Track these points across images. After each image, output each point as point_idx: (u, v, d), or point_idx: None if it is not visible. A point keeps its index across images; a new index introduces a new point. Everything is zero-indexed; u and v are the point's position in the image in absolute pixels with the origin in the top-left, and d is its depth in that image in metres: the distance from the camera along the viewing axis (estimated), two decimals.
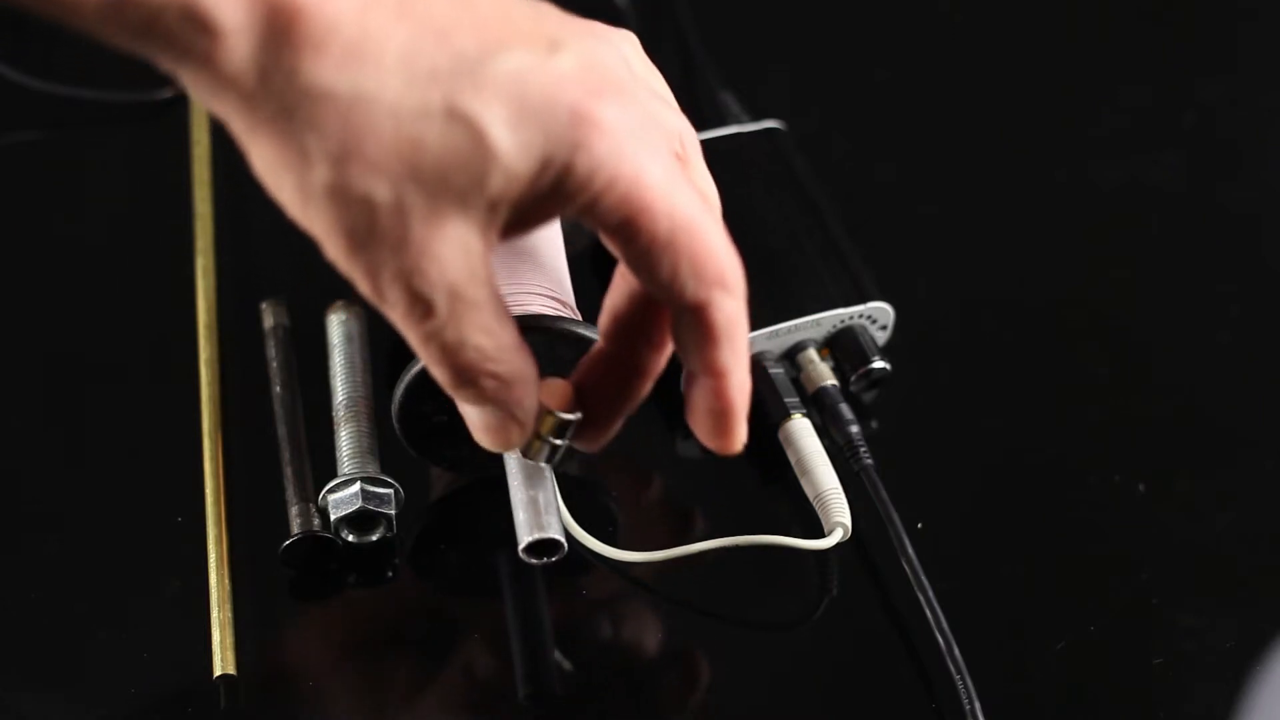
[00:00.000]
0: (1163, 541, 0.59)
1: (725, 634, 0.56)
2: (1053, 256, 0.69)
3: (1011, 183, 0.72)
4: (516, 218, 0.42)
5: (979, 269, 0.68)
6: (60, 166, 0.71)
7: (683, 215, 0.42)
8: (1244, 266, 0.69)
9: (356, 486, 0.55)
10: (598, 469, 0.59)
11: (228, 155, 0.67)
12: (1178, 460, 0.62)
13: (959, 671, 0.52)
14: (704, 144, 0.62)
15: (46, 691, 0.54)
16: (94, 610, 0.55)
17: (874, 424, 0.61)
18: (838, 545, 0.56)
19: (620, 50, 0.43)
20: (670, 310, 0.44)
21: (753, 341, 0.59)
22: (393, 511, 0.55)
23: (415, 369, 0.52)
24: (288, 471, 0.57)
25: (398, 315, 0.42)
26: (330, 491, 0.55)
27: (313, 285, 0.59)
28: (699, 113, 0.71)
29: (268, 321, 0.61)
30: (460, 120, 0.39)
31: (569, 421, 0.47)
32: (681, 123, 0.45)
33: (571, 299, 0.56)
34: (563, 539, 0.50)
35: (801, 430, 0.58)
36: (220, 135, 0.68)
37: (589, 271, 0.59)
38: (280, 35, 0.38)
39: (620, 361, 0.47)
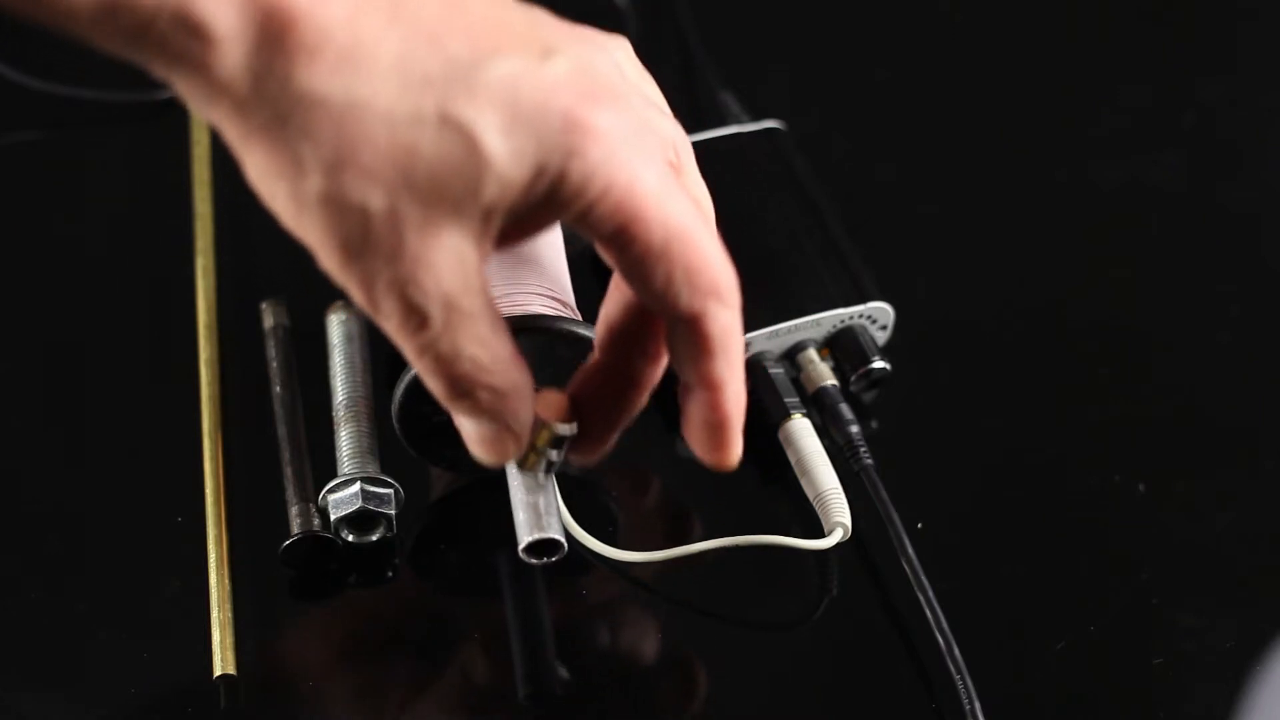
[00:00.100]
0: (1163, 541, 0.59)
1: (725, 634, 0.56)
2: (1053, 256, 0.69)
3: (1011, 183, 0.72)
4: (511, 226, 0.41)
5: (979, 269, 0.68)
6: (60, 166, 0.71)
7: (676, 224, 0.41)
8: (1244, 266, 0.69)
9: (356, 486, 0.55)
10: (598, 469, 0.59)
11: (227, 155, 0.67)
12: (1178, 460, 0.62)
13: (959, 671, 0.52)
14: (704, 144, 0.63)
15: (46, 691, 0.54)
16: (94, 610, 0.55)
17: (874, 424, 0.61)
18: (838, 545, 0.56)
19: (613, 56, 0.43)
20: (665, 321, 0.44)
21: (753, 341, 0.59)
22: (393, 511, 0.55)
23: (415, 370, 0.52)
24: (288, 471, 0.57)
25: (392, 326, 0.42)
26: (330, 491, 0.55)
27: (313, 285, 0.58)
28: (699, 113, 0.71)
29: (268, 321, 0.61)
30: (453, 127, 0.39)
31: (565, 434, 0.47)
32: (675, 130, 0.45)
33: (571, 299, 0.56)
34: (563, 539, 0.50)
35: (801, 430, 0.58)
36: (220, 136, 0.68)
37: (589, 272, 0.59)
38: (274, 41, 0.38)
39: (616, 373, 0.47)
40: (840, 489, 0.56)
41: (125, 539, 0.57)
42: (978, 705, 0.52)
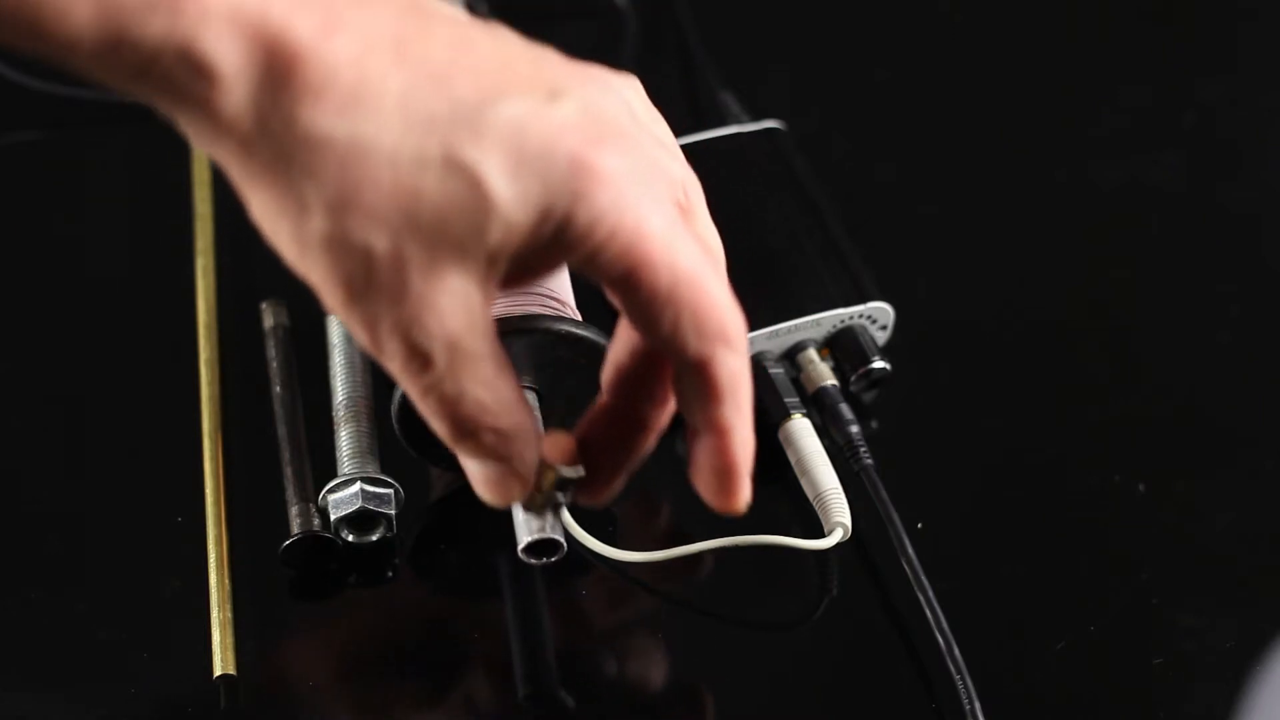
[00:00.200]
0: (1163, 541, 0.59)
1: (725, 634, 0.56)
2: (1053, 256, 0.69)
3: (1011, 183, 0.72)
4: (517, 268, 0.41)
5: (979, 269, 0.68)
6: (60, 166, 0.71)
7: (684, 268, 0.41)
8: (1244, 266, 0.69)
9: (356, 486, 0.55)
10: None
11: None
12: (1178, 460, 0.62)
13: (959, 671, 0.52)
14: (704, 144, 0.63)
15: (46, 691, 0.54)
16: (94, 610, 0.55)
17: (874, 424, 0.61)
18: (838, 545, 0.56)
19: (622, 96, 0.42)
20: (672, 365, 0.44)
21: (753, 341, 0.59)
22: (393, 511, 0.55)
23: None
24: (288, 471, 0.57)
25: (396, 367, 0.41)
26: (330, 491, 0.55)
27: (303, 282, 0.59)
28: (699, 113, 0.71)
29: (268, 321, 0.61)
30: (458, 169, 0.39)
31: (571, 477, 0.46)
32: (685, 171, 0.44)
33: (571, 299, 0.56)
34: (562, 539, 0.50)
35: (801, 430, 0.58)
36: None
37: None
38: (278, 81, 0.37)
39: (623, 416, 0.47)
40: (840, 489, 0.56)
41: (125, 539, 0.57)
42: (978, 705, 0.52)
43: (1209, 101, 0.77)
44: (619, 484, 0.48)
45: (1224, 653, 0.55)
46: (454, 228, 0.39)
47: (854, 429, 0.58)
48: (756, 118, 0.67)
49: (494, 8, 0.72)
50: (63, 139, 0.72)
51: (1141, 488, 0.60)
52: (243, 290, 0.64)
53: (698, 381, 0.43)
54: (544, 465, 0.46)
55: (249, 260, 0.65)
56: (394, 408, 0.54)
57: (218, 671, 0.52)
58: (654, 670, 0.55)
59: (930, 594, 0.54)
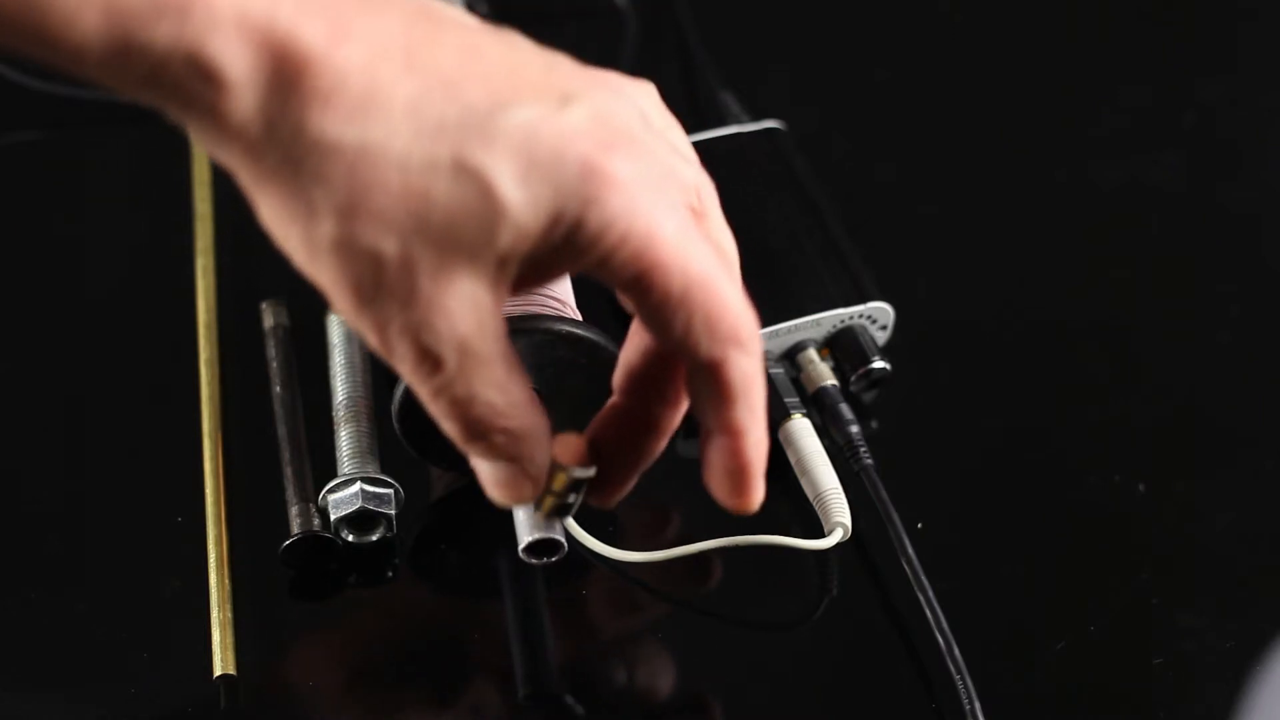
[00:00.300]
0: (1163, 541, 0.59)
1: (725, 634, 0.56)
2: (1053, 256, 0.69)
3: (1011, 183, 0.72)
4: (527, 272, 0.41)
5: (979, 269, 0.68)
6: (60, 166, 0.71)
7: (696, 271, 0.41)
8: (1244, 266, 0.69)
9: (356, 486, 0.55)
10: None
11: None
12: (1178, 460, 0.62)
13: (959, 671, 0.52)
14: (704, 144, 0.63)
15: (46, 691, 0.54)
16: (94, 610, 0.55)
17: (874, 424, 0.61)
18: (838, 545, 0.56)
19: (635, 102, 0.42)
20: (685, 367, 0.44)
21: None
22: (393, 511, 0.55)
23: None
24: (288, 471, 0.57)
25: (407, 369, 0.41)
26: (330, 491, 0.55)
27: (312, 285, 0.59)
28: (699, 113, 0.71)
29: (268, 321, 0.61)
30: (469, 174, 0.39)
31: (582, 478, 0.47)
32: (699, 176, 0.44)
33: (571, 299, 0.56)
34: (563, 539, 0.50)
35: (801, 430, 0.58)
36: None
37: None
38: (287, 86, 0.37)
39: (635, 417, 0.46)
40: (840, 489, 0.56)
41: (125, 539, 0.57)
42: (978, 705, 0.52)
43: (1209, 101, 0.77)
44: (630, 485, 0.48)
45: (1224, 653, 0.55)
46: (464, 232, 0.39)
47: (854, 429, 0.58)
48: (756, 118, 0.67)
49: (494, 8, 0.72)
50: (63, 139, 0.72)
51: (1141, 488, 0.60)
52: (243, 290, 0.64)
53: (711, 383, 0.43)
54: (555, 466, 0.46)
55: (249, 260, 0.65)
56: (394, 408, 0.54)
57: (218, 671, 0.52)
58: (654, 670, 0.55)
59: (930, 594, 0.54)
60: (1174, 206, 0.72)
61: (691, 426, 0.58)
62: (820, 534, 0.56)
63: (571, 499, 0.47)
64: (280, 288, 0.62)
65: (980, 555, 0.59)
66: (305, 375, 0.60)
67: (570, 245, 0.40)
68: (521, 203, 0.39)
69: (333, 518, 0.55)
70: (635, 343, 0.46)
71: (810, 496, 0.57)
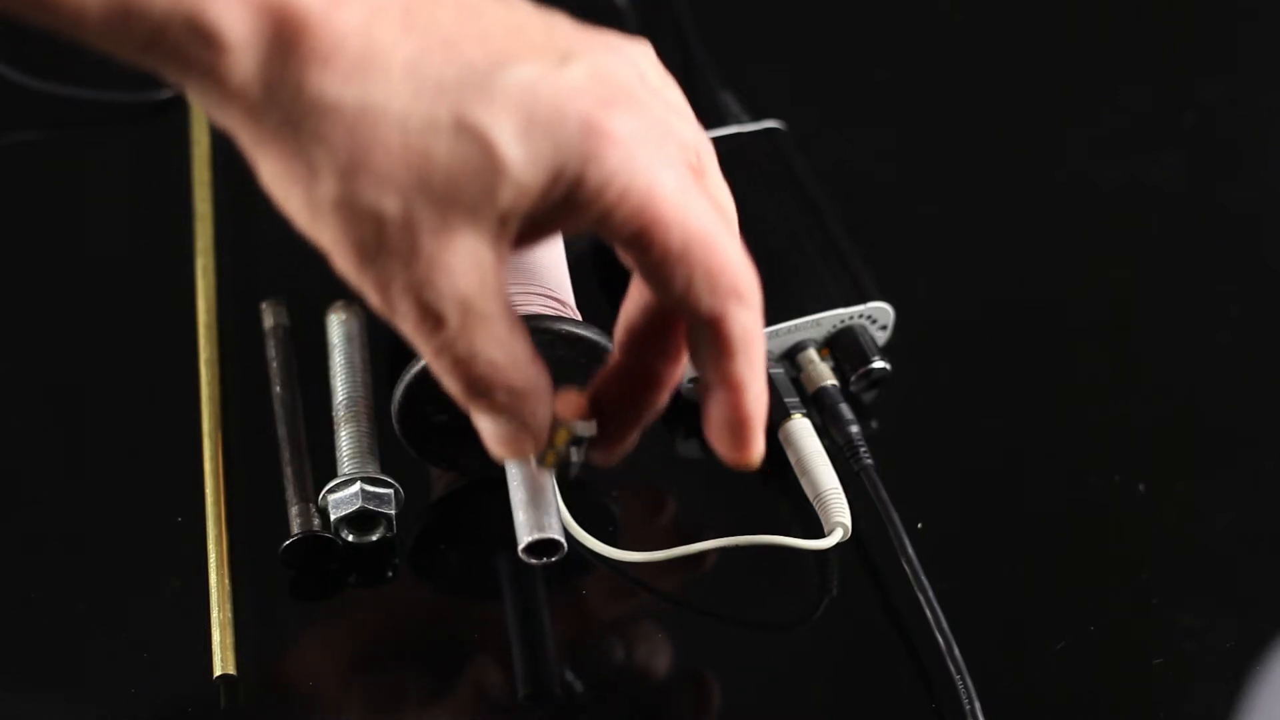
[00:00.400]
0: (1163, 541, 0.59)
1: (725, 634, 0.56)
2: (1053, 256, 0.69)
3: (1011, 183, 0.72)
4: (528, 229, 0.41)
5: (979, 269, 0.68)
6: (60, 166, 0.71)
7: (696, 227, 0.41)
8: (1244, 266, 0.69)
9: (356, 486, 0.55)
10: (597, 469, 0.59)
11: (228, 155, 0.67)
12: (1178, 460, 0.62)
13: (959, 671, 0.52)
14: None
15: (46, 691, 0.54)
16: (94, 610, 0.55)
17: (874, 424, 0.61)
18: (838, 545, 0.56)
19: (634, 61, 0.43)
20: (686, 322, 0.44)
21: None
22: (393, 511, 0.55)
23: (415, 369, 0.52)
24: (288, 471, 0.57)
25: (409, 328, 0.42)
26: (330, 491, 0.55)
27: (313, 285, 0.59)
28: (699, 113, 0.71)
29: (268, 321, 0.61)
30: (469, 132, 0.39)
31: (584, 434, 0.47)
32: (697, 134, 0.45)
33: (571, 300, 0.56)
34: (563, 539, 0.50)
35: (801, 430, 0.58)
36: (220, 136, 0.67)
37: (589, 272, 0.59)
38: (286, 48, 0.38)
39: (636, 373, 0.47)
40: (840, 489, 0.56)
41: (125, 539, 0.57)
42: (978, 705, 0.52)
43: (1209, 101, 0.77)
44: (631, 441, 0.48)
45: (1224, 653, 0.55)
46: (465, 190, 0.39)
47: (854, 429, 0.58)
48: (756, 118, 0.67)
49: None
50: (63, 139, 0.72)
51: (1141, 488, 0.60)
52: (243, 290, 0.64)
53: (711, 337, 0.43)
54: (557, 422, 0.46)
55: (249, 260, 0.65)
56: (394, 408, 0.54)
57: (218, 671, 0.52)
58: (654, 670, 0.55)
59: (930, 594, 0.54)
60: (1174, 206, 0.72)
61: (692, 427, 0.58)
62: (820, 534, 0.56)
63: (573, 455, 0.47)
64: (280, 288, 0.62)
65: (980, 555, 0.59)
66: (305, 375, 0.60)
67: (570, 202, 0.40)
68: (522, 160, 0.39)
69: (333, 518, 0.55)
70: (635, 299, 0.46)
71: (810, 496, 0.57)
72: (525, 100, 0.39)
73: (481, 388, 0.43)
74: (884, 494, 0.56)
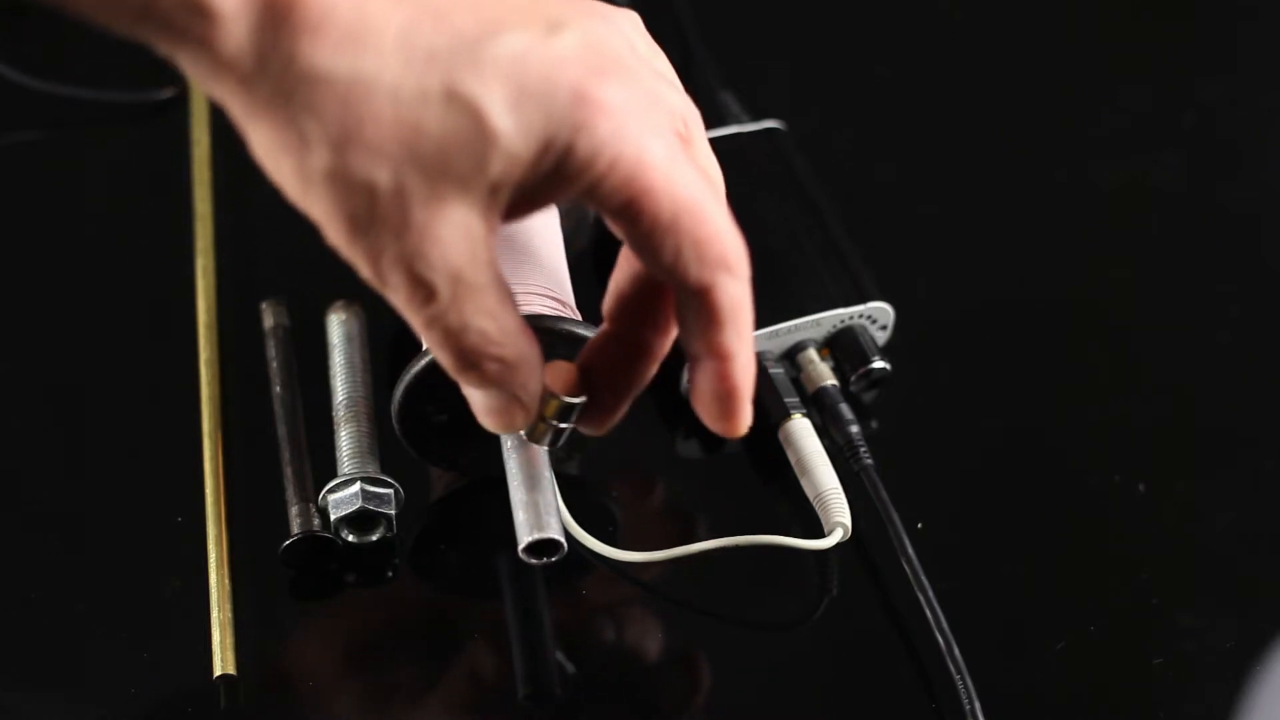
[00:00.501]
0: (1163, 541, 0.59)
1: (725, 634, 0.56)
2: (1053, 256, 0.69)
3: (1011, 183, 0.72)
4: (519, 200, 0.41)
5: (979, 269, 0.68)
6: (60, 166, 0.71)
7: (685, 197, 0.41)
8: (1244, 266, 0.69)
9: (356, 486, 0.55)
10: (597, 469, 0.59)
11: (228, 155, 0.67)
12: (1178, 460, 0.62)
13: (959, 671, 0.52)
14: None
15: (46, 691, 0.54)
16: (94, 610, 0.55)
17: (874, 424, 0.61)
18: (838, 545, 0.56)
19: (623, 30, 0.43)
20: (674, 292, 0.44)
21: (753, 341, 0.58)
22: (393, 511, 0.55)
23: (415, 369, 0.52)
24: (288, 471, 0.57)
25: (400, 299, 0.42)
26: (330, 491, 0.55)
27: (313, 285, 0.59)
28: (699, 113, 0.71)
29: (268, 321, 0.61)
30: (459, 102, 0.39)
31: (573, 404, 0.47)
32: (685, 103, 0.45)
33: (571, 299, 0.56)
34: (563, 539, 0.50)
35: (801, 430, 0.58)
36: (220, 136, 0.68)
37: (589, 272, 0.59)
38: (278, 18, 0.38)
39: (625, 344, 0.47)
40: (840, 489, 0.56)
41: (125, 539, 0.57)
42: (978, 705, 0.52)
43: (1209, 101, 0.77)
44: (621, 412, 0.48)
45: (1224, 653, 0.56)
46: (456, 160, 0.40)
47: (854, 429, 0.58)
48: (756, 118, 0.67)
49: None
50: (63, 139, 0.72)
51: (1141, 488, 0.60)
52: (243, 290, 0.64)
53: (699, 308, 0.43)
54: (547, 394, 0.46)
55: (249, 260, 0.65)
56: (394, 408, 0.54)
57: (218, 671, 0.52)
58: (654, 670, 0.55)
59: (930, 594, 0.54)
60: (1174, 206, 0.72)
61: (692, 427, 0.58)
62: (820, 534, 0.56)
63: (563, 426, 0.47)
64: (280, 288, 0.62)
65: (980, 555, 0.59)
66: (305, 375, 0.60)
67: (560, 172, 0.40)
68: (512, 130, 0.39)
69: (333, 518, 0.55)
70: (624, 269, 0.46)
71: (810, 496, 0.57)
72: (515, 70, 0.39)
73: (472, 359, 0.43)
74: (884, 494, 0.56)
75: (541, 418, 0.47)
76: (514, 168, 0.40)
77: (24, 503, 0.59)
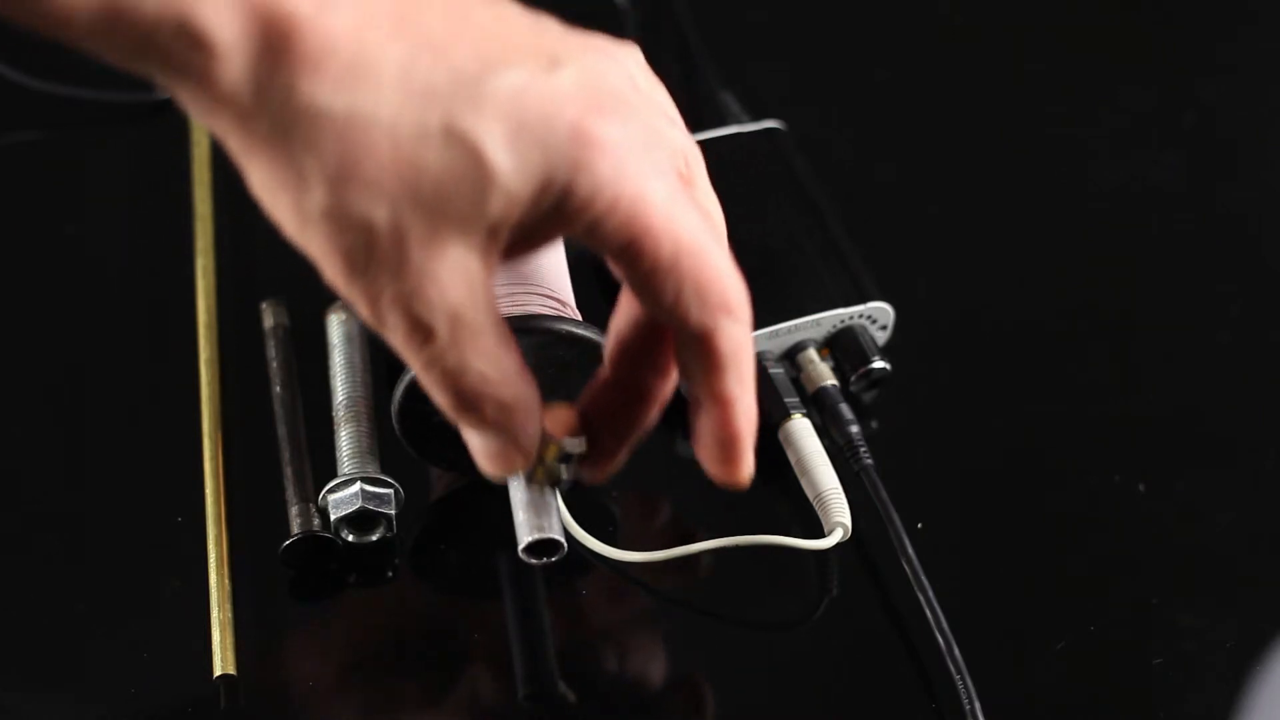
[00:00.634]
0: (1163, 541, 0.59)
1: (725, 634, 0.56)
2: (1053, 256, 0.69)
3: (1011, 183, 0.72)
4: (518, 239, 0.41)
5: (979, 269, 0.68)
6: (60, 166, 0.71)
7: (686, 238, 0.41)
8: (1244, 266, 0.69)
9: (356, 486, 0.55)
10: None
11: (228, 156, 0.67)
12: (1178, 460, 0.62)
13: (959, 671, 0.52)
14: (704, 144, 0.62)
15: (46, 691, 0.54)
16: (94, 610, 0.55)
17: (874, 424, 0.61)
18: (838, 545, 0.56)
19: (623, 66, 0.42)
20: (674, 336, 0.44)
21: (753, 341, 0.58)
22: (393, 511, 0.55)
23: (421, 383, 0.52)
24: (288, 471, 0.57)
25: (398, 340, 0.41)
26: (330, 491, 0.55)
27: (313, 285, 0.59)
28: (699, 113, 0.71)
29: (268, 321, 0.61)
30: (458, 140, 0.39)
31: (573, 450, 0.46)
32: (686, 141, 0.44)
33: (571, 299, 0.56)
34: (563, 539, 0.50)
35: (801, 430, 0.58)
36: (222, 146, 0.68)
37: (589, 272, 0.59)
38: (276, 53, 0.37)
39: (626, 388, 0.46)
40: (840, 489, 0.56)
41: (125, 539, 0.57)
42: (978, 705, 0.52)
43: (1209, 101, 0.77)
44: (622, 457, 0.48)
45: (1224, 653, 0.55)
46: (454, 199, 0.39)
47: (854, 429, 0.58)
48: (756, 118, 0.67)
49: None
50: (63, 139, 0.72)
51: (1141, 488, 0.60)
52: (243, 290, 0.64)
53: (700, 352, 0.43)
54: (546, 438, 0.46)
55: (249, 260, 0.65)
56: (394, 408, 0.54)
57: (218, 671, 0.52)
58: (654, 670, 0.55)
59: (930, 594, 0.54)
60: (1174, 206, 0.72)
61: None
62: (820, 534, 0.56)
63: (563, 472, 0.47)
64: (280, 288, 0.62)
65: (980, 555, 0.59)
66: (305, 375, 0.60)
67: (560, 211, 0.40)
68: (511, 168, 0.39)
69: (333, 518, 0.55)
70: (624, 312, 0.46)
71: (810, 496, 0.57)
72: (514, 106, 0.39)
73: (471, 401, 0.43)
74: (884, 494, 0.56)
75: (541, 462, 0.46)
76: (513, 207, 0.39)
77: (24, 503, 0.59)
